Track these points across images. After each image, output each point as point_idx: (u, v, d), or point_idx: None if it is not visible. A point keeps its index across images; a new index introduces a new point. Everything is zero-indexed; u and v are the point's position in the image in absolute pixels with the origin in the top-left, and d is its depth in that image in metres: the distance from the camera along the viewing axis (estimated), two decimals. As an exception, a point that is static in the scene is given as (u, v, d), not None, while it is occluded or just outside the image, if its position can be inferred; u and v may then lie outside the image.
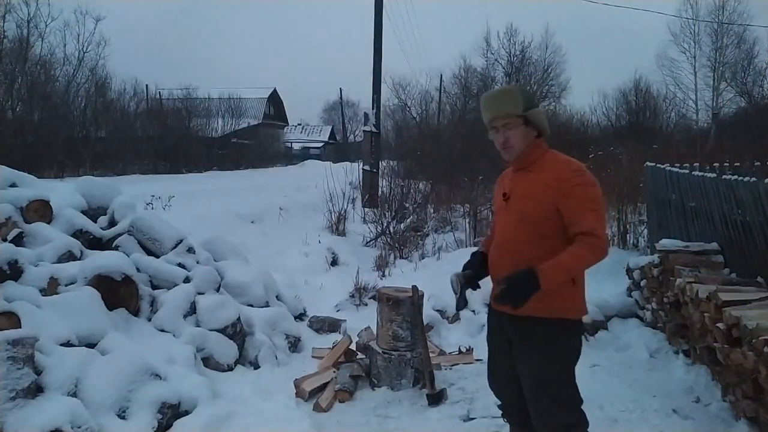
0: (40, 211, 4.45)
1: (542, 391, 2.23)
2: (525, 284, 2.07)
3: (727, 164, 6.02)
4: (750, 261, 4.23)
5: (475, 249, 2.39)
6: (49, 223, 4.46)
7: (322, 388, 3.80)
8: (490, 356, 2.50)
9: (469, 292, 2.41)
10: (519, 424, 2.47)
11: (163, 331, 3.94)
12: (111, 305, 3.79)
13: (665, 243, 4.82)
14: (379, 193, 11.68)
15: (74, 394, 2.94)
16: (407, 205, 10.60)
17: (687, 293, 4.00)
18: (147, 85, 28.06)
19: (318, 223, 9.14)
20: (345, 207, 9.51)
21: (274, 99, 42.37)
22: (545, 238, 2.18)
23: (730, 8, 26.50)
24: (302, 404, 3.66)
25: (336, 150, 41.75)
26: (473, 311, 5.59)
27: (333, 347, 4.33)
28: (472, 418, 3.45)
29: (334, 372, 3.96)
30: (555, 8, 54.70)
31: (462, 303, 2.43)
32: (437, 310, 5.30)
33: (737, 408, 3.33)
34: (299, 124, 49.05)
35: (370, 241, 9.00)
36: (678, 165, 5.93)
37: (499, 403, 2.54)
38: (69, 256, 4.17)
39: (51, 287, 3.70)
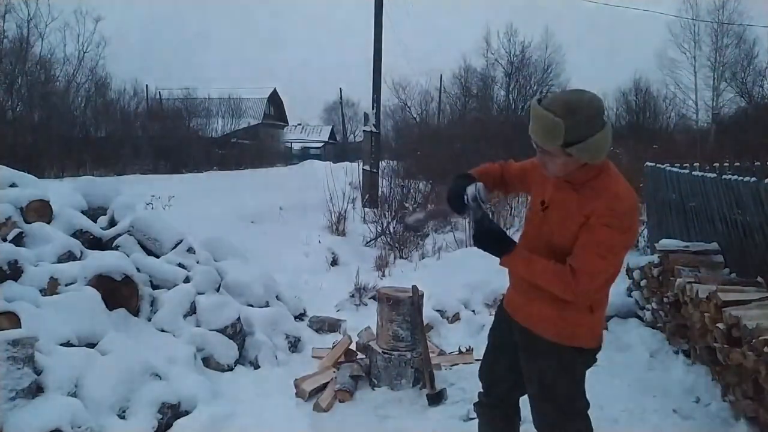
0: (40, 211, 4.44)
1: (549, 404, 2.17)
2: (489, 243, 2.08)
3: (727, 164, 6.02)
4: (750, 261, 4.23)
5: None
6: (49, 223, 4.45)
7: (322, 388, 3.80)
8: (490, 349, 2.42)
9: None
10: (502, 417, 2.41)
11: (163, 331, 3.93)
12: (111, 305, 3.78)
13: (665, 243, 4.82)
14: (379, 193, 11.67)
15: (74, 394, 2.94)
16: (407, 205, 10.59)
17: (687, 293, 4.00)
18: (147, 85, 28.17)
19: (318, 223, 9.14)
20: (345, 207, 9.50)
21: (274, 99, 42.32)
22: (565, 257, 2.01)
23: (730, 8, 26.48)
24: (302, 404, 3.66)
25: (336, 150, 41.69)
26: (473, 311, 5.60)
27: (333, 347, 4.33)
28: (472, 418, 3.43)
29: (334, 372, 3.96)
30: (555, 8, 54.80)
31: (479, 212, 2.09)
32: (437, 310, 5.30)
33: (737, 408, 3.33)
34: (299, 124, 48.93)
35: (370, 241, 9.00)
36: (678, 165, 5.94)
37: (483, 392, 2.45)
38: (69, 256, 4.16)
39: (51, 287, 3.69)
